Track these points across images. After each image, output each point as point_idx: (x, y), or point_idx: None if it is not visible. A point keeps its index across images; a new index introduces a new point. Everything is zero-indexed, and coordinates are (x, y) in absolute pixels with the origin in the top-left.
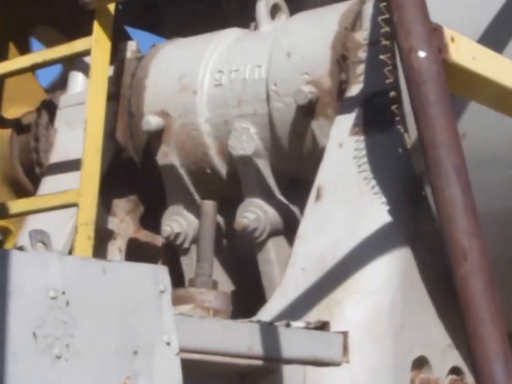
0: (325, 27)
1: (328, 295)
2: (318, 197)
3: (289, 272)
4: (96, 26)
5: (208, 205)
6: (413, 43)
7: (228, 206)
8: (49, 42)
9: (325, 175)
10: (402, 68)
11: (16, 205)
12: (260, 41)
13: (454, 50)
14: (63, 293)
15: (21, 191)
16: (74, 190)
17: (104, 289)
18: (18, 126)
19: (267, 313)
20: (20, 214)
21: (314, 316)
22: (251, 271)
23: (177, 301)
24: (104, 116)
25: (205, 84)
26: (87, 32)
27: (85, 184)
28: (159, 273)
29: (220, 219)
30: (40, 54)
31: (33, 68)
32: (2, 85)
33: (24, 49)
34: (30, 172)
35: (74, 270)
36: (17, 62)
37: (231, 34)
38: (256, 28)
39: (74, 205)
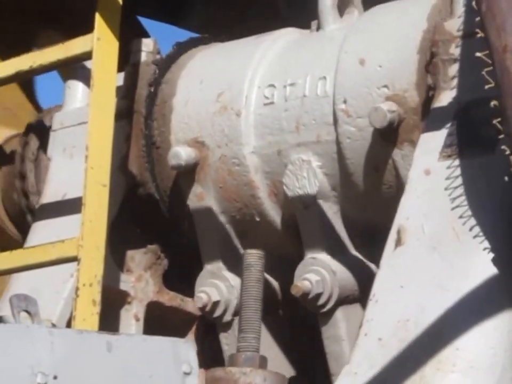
0: (409, 25)
1: (414, 374)
2: (398, 242)
3: (361, 344)
4: (98, 20)
5: (253, 256)
6: (508, 40)
7: (284, 265)
8: None
9: (408, 212)
10: (494, 70)
11: None
12: (323, 45)
13: None
14: (55, 377)
15: (5, 241)
16: (74, 239)
17: (108, 371)
18: None
19: None
20: (2, 273)
21: None
22: (313, 348)
23: None
24: (111, 139)
25: (252, 102)
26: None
27: (88, 231)
28: (183, 350)
29: (273, 282)
30: (26, 58)
31: (18, 77)
32: None
33: None
34: (17, 215)
35: (70, 347)
36: None
37: (285, 37)
38: (319, 27)
39: (73, 259)
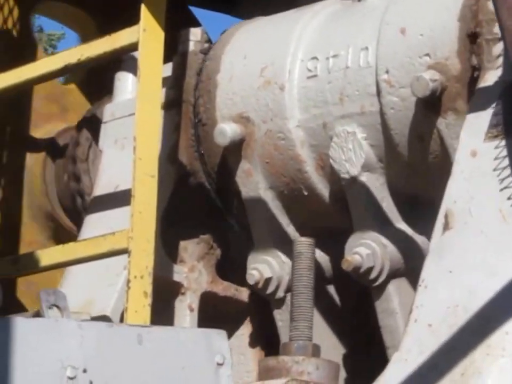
0: None
1: (463, 360)
2: (446, 226)
3: (411, 331)
4: (144, 11)
5: (303, 244)
6: None
7: (334, 239)
8: (64, 18)
9: (455, 196)
10: (506, 52)
11: (49, 254)
12: (365, 16)
13: None
14: (85, 370)
15: (61, 233)
16: (124, 231)
17: (140, 364)
18: (52, 148)
19: None
20: (53, 267)
21: None
22: (366, 326)
23: (266, 373)
24: (159, 130)
25: (295, 76)
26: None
27: (137, 222)
28: (215, 340)
29: (323, 257)
30: (74, 51)
31: (66, 71)
32: (30, 95)
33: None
34: (71, 208)
35: (99, 341)
36: (45, 64)
37: (326, 8)
38: None
39: (124, 251)
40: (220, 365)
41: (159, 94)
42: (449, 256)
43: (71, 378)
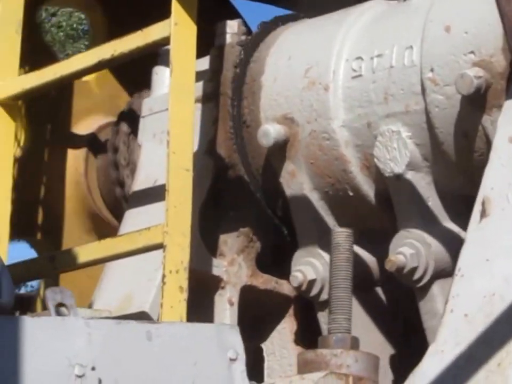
0: None
1: (500, 350)
2: (483, 213)
3: (447, 321)
4: (175, 5)
5: (341, 235)
6: None
7: (379, 239)
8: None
9: (492, 182)
10: (507, 37)
11: (86, 251)
12: (410, 15)
13: None
14: (93, 368)
15: (104, 229)
16: (159, 226)
17: (149, 361)
18: (93, 143)
19: (420, 377)
20: (90, 263)
21: (480, 380)
22: (409, 325)
23: (305, 367)
24: (192, 123)
25: (340, 76)
26: None
27: (172, 217)
28: (228, 335)
29: (368, 257)
30: (108, 47)
31: (100, 66)
32: (69, 90)
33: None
34: (113, 204)
35: (107, 338)
36: (79, 60)
37: (371, 9)
38: None
39: (159, 246)
40: (232, 360)
41: (192, 88)
42: (486, 244)
43: (79, 377)
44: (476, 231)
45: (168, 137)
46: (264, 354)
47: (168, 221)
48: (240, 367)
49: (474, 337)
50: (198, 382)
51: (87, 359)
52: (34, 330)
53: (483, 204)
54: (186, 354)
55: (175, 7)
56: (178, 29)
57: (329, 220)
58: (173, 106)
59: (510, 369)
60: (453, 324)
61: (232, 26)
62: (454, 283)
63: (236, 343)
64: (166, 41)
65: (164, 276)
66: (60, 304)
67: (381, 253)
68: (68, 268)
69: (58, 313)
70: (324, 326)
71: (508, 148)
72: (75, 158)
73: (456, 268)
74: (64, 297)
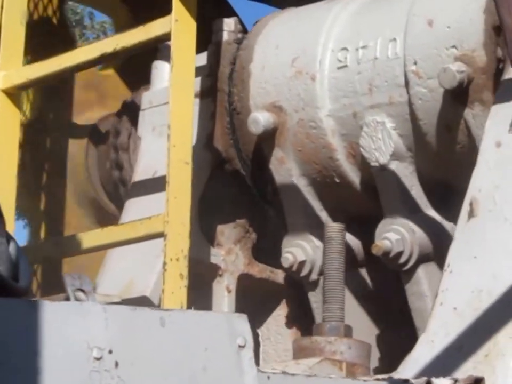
0: None
1: (487, 342)
2: (471, 213)
3: (437, 313)
4: (175, 2)
5: (334, 229)
6: None
7: (365, 225)
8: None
9: (480, 184)
10: (507, 49)
11: (88, 238)
12: (394, 8)
13: None
14: (110, 351)
15: (104, 217)
16: (160, 216)
17: (163, 346)
18: (95, 134)
19: (411, 365)
20: (93, 249)
21: (468, 369)
22: (396, 309)
23: (300, 353)
24: (192, 117)
25: (326, 66)
26: None
27: (173, 207)
28: (237, 323)
29: (355, 242)
30: (110, 41)
31: (102, 60)
32: (70, 82)
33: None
34: (113, 192)
35: (124, 323)
36: (83, 52)
37: (357, 0)
38: None
39: (160, 235)
40: (241, 347)
41: (192, 83)
42: (474, 242)
43: (98, 359)
44: (464, 229)
45: (169, 130)
46: (260, 339)
47: (169, 211)
48: (249, 354)
49: (463, 329)
50: (208, 367)
51: (105, 342)
52: (54, 314)
53: (471, 204)
54: (197, 341)
55: (176, 4)
56: (179, 25)
57: (316, 204)
58: (173, 101)
59: (497, 360)
60: (443, 316)
61: (228, 24)
62: (443, 278)
63: (244, 330)
64: (167, 37)
65: (165, 264)
66: (78, 290)
67: (366, 237)
68: (72, 253)
69: (77, 299)
70: (314, 305)
71: (495, 152)
72: (76, 149)
73: (445, 263)
74: (83, 283)
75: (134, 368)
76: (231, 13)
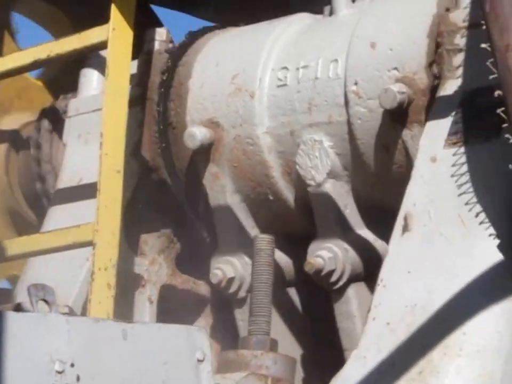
0: (419, 9)
1: (421, 358)
2: (405, 228)
3: (370, 329)
4: (113, 11)
5: (263, 240)
6: (511, 40)
7: (298, 243)
8: (40, 17)
9: (415, 199)
10: (497, 70)
11: (14, 245)
12: (336, 30)
13: None
14: (72, 365)
15: (23, 225)
16: (90, 224)
17: (125, 359)
18: (16, 140)
19: (342, 381)
20: (19, 256)
21: None
22: (325, 327)
23: (226, 367)
24: (125, 126)
25: (265, 85)
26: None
27: (103, 216)
28: (196, 337)
29: (287, 260)
30: (44, 47)
31: (35, 66)
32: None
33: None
34: (33, 200)
35: (86, 335)
36: (14, 58)
37: (298, 22)
38: (331, 13)
39: (89, 243)
40: (200, 361)
41: (127, 92)
42: (408, 257)
43: (59, 372)
44: (399, 244)
45: (102, 139)
46: None
47: (99, 220)
48: (207, 367)
49: (396, 345)
50: (168, 381)
51: (67, 355)
52: (16, 325)
53: (405, 219)
54: (158, 354)
55: (114, 13)
56: (116, 34)
57: (249, 221)
58: (107, 109)
59: (431, 378)
60: (375, 331)
61: (160, 33)
62: (376, 292)
63: (203, 344)
64: (103, 45)
65: (93, 273)
66: (42, 300)
67: (298, 256)
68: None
69: (38, 310)
70: (240, 323)
71: (430, 167)
72: None
73: (379, 278)
74: (46, 293)
75: (95, 382)
76: (158, 23)
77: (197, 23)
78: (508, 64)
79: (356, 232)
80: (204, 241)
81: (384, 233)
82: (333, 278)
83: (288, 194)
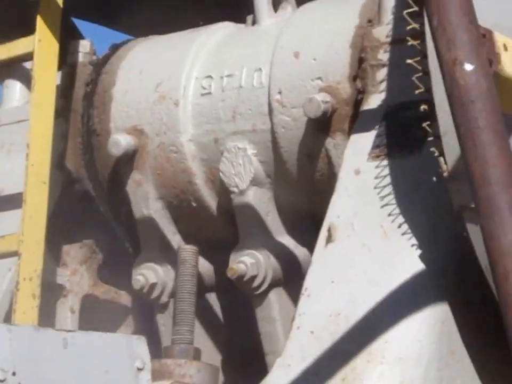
0: (342, 20)
1: (344, 366)
2: (329, 239)
3: (294, 337)
4: (39, 22)
5: (187, 251)
6: (458, 53)
7: (220, 250)
8: None
9: (338, 211)
10: (444, 83)
11: None
12: (260, 39)
13: (508, 61)
14: (14, 373)
15: None
16: (15, 235)
17: (66, 367)
18: None
19: None
20: None
21: None
22: (247, 332)
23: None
24: (51, 137)
25: (189, 93)
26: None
27: (28, 227)
28: (136, 346)
29: (208, 267)
30: None
31: None
32: None
33: None
34: None
35: (27, 344)
36: None
37: (221, 31)
38: (254, 22)
39: (14, 254)
40: (140, 369)
41: (53, 103)
42: (332, 267)
43: (1, 381)
44: (322, 254)
45: (28, 150)
46: None
47: (24, 230)
48: (146, 376)
49: (320, 353)
50: None
51: (9, 364)
52: None
53: (329, 230)
54: (99, 362)
55: (40, 25)
56: (42, 45)
57: (171, 228)
58: (34, 120)
59: None
60: (300, 339)
61: (84, 45)
62: (300, 302)
63: (143, 353)
64: (29, 56)
65: (17, 283)
66: None
67: (221, 262)
68: None
69: None
70: (162, 328)
71: (354, 179)
72: None
73: (303, 287)
74: None
75: None
76: (79, 35)
77: (119, 37)
78: (455, 77)
79: (276, 239)
80: (126, 251)
81: (307, 239)
82: (255, 284)
83: (211, 201)
